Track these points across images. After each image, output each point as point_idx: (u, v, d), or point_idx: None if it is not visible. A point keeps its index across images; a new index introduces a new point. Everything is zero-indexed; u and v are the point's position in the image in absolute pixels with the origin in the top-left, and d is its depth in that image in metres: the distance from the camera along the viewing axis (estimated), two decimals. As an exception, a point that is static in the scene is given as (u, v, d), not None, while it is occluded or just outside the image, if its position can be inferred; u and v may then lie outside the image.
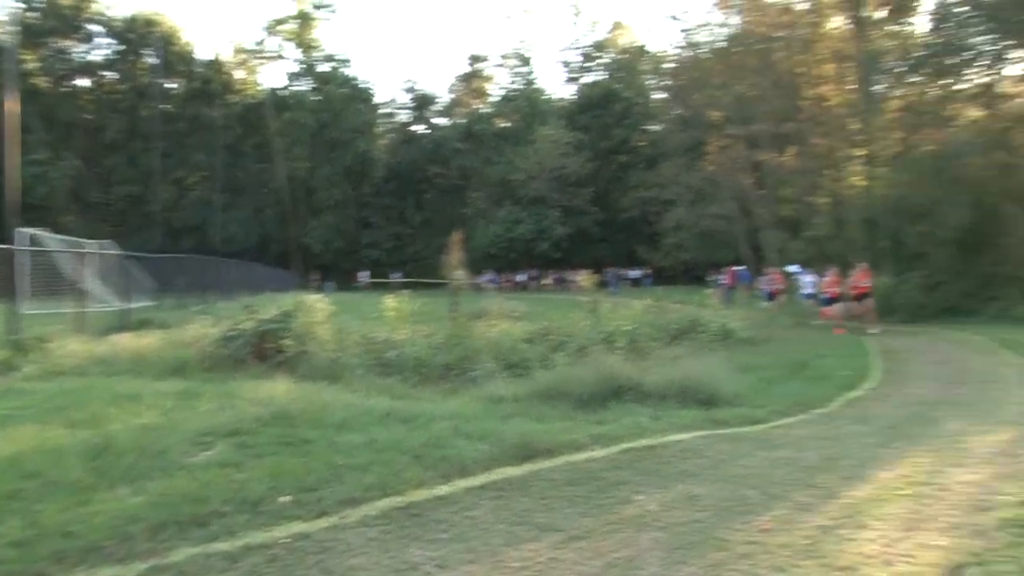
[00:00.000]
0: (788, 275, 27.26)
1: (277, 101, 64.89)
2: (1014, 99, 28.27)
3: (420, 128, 70.19)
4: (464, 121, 67.81)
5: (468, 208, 63.96)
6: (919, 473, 5.88)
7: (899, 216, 27.99)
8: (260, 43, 69.33)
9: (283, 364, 10.96)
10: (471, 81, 72.70)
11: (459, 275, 19.33)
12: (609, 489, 5.41)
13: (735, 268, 36.06)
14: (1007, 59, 27.83)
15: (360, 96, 67.00)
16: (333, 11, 70.41)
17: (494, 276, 55.18)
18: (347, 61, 69.48)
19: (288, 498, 4.85)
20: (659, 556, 4.07)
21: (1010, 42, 27.03)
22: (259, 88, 68.50)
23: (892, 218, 28.61)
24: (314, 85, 67.58)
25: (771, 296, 25.34)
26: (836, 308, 21.18)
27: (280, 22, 68.67)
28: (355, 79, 68.09)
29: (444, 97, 71.90)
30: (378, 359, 11.80)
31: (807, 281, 24.03)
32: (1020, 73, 27.92)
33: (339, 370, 10.86)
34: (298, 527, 4.47)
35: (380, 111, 71.41)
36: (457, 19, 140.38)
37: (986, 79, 28.45)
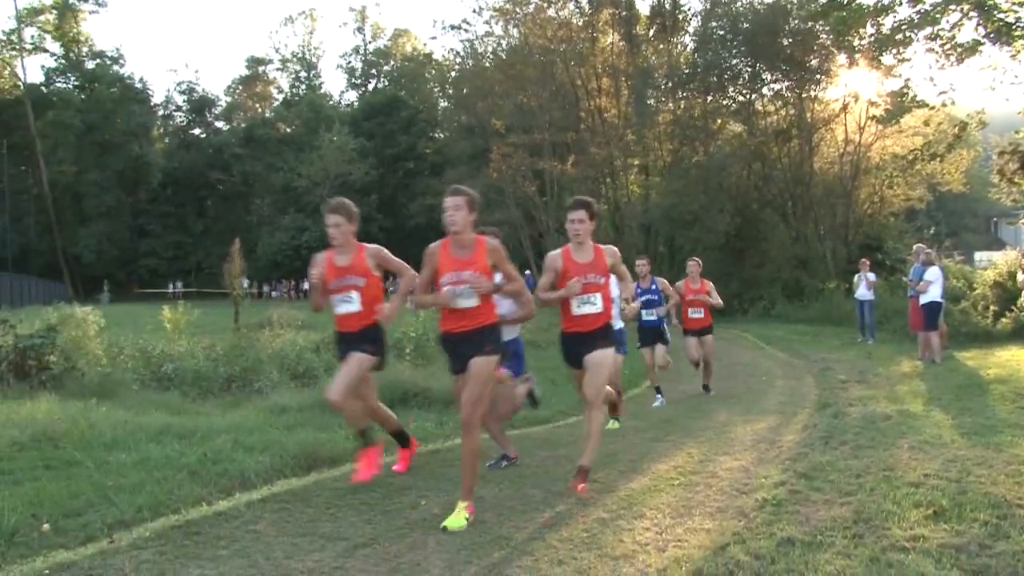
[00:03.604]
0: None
1: (38, 99, 59.51)
2: (769, 116, 30.84)
3: (198, 132, 67.04)
4: (245, 125, 65.50)
5: (252, 216, 61.80)
6: (691, 463, 6.27)
7: (672, 222, 29.83)
8: (13, 32, 61.25)
9: (47, 382, 10.20)
10: (252, 84, 70.37)
11: (241, 284, 18.77)
12: (395, 495, 5.40)
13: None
14: (762, 80, 30.38)
15: (134, 96, 62.19)
16: (102, 4, 64.04)
17: (281, 285, 53.91)
18: (119, 59, 64.50)
19: (47, 526, 4.49)
20: (444, 558, 4.10)
21: (763, 66, 29.53)
22: (16, 84, 61.51)
23: (666, 224, 30.44)
24: (77, 83, 62.30)
25: None
26: None
27: (35, 12, 62.07)
28: (129, 78, 63.50)
29: (222, 100, 69.34)
30: (154, 373, 11.26)
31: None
32: (772, 93, 30.54)
33: (111, 386, 10.27)
34: (61, 556, 4.14)
35: (158, 113, 67.42)
36: (235, 18, 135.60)
37: (744, 97, 30.86)
